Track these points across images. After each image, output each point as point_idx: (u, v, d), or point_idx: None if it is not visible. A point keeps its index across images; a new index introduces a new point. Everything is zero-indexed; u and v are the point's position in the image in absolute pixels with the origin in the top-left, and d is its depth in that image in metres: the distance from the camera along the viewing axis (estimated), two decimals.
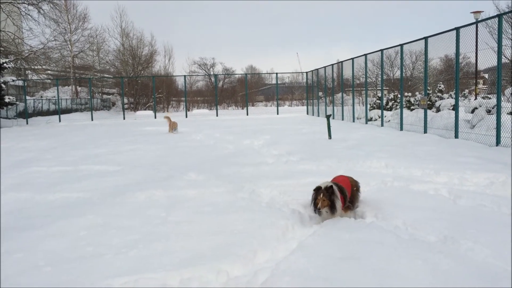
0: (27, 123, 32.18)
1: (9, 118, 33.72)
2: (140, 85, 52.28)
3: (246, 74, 50.07)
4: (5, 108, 31.18)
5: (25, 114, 34.34)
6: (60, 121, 34.15)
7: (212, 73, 67.34)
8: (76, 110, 46.20)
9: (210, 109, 51.27)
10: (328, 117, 15.81)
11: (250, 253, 4.75)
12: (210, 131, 20.55)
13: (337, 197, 5.46)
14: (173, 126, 20.78)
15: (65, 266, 4.50)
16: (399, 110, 19.23)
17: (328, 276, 3.95)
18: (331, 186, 5.45)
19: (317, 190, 5.53)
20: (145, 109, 49.89)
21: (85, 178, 9.25)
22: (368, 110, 23.85)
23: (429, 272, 3.93)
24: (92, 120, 35.13)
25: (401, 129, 18.14)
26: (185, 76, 40.62)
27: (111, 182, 8.72)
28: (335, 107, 29.45)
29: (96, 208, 6.77)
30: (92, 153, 13.61)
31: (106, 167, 10.73)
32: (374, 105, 27.04)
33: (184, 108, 41.90)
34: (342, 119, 26.72)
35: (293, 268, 4.20)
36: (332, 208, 5.47)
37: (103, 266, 4.48)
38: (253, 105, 60.37)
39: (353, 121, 24.79)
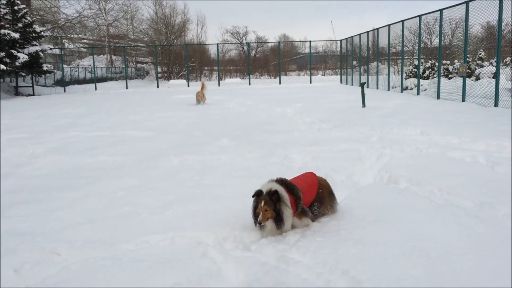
0: (64, 91, 32.92)
1: (47, 86, 34.58)
2: (173, 54, 52.46)
3: (279, 42, 49.39)
4: (43, 76, 31.94)
5: (62, 82, 35.11)
6: (96, 89, 34.78)
7: (244, 41, 66.83)
8: (111, 79, 46.89)
9: (243, 78, 51.05)
10: (362, 85, 15.53)
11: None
12: (242, 100, 20.54)
13: (285, 204, 4.04)
14: (198, 98, 18.80)
15: (103, 224, 4.68)
16: (436, 79, 18.68)
17: (359, 238, 3.96)
18: (276, 191, 4.02)
19: (257, 196, 4.10)
20: (178, 78, 50.17)
21: (120, 143, 9.46)
22: (403, 79, 23.28)
23: (464, 236, 3.89)
24: (126, 88, 35.61)
25: (438, 97, 17.67)
26: (217, 44, 40.47)
27: (146, 147, 8.89)
28: (369, 76, 28.86)
29: (132, 171, 6.95)
30: (127, 120, 13.87)
31: (141, 132, 10.93)
32: (410, 74, 26.33)
33: (217, 77, 41.93)
34: (377, 88, 26.20)
35: (324, 230, 4.23)
36: (278, 221, 4.04)
37: (140, 224, 4.63)
38: (285, 75, 59.74)
39: (388, 90, 24.28)
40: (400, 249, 3.67)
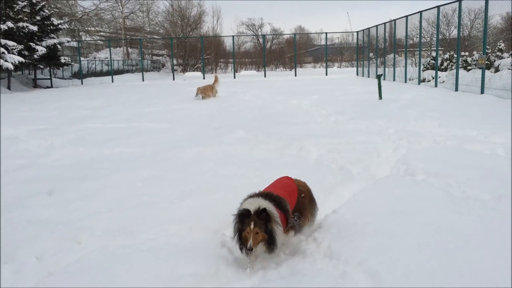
0: (81, 83, 33.27)
1: (65, 79, 35.00)
2: (188, 46, 52.58)
3: (294, 34, 49.15)
4: (61, 68, 32.32)
5: (79, 75, 35.50)
6: (112, 81, 35.09)
7: (260, 33, 66.65)
8: (127, 71, 47.23)
9: (258, 70, 51.01)
10: (379, 76, 15.41)
11: None
12: (258, 92, 20.53)
13: (276, 223, 3.47)
14: (197, 92, 17.80)
15: (123, 213, 4.76)
16: (454, 71, 18.43)
17: (375, 229, 3.97)
18: (264, 210, 3.41)
19: (242, 217, 3.45)
20: (193, 70, 50.32)
21: (137, 135, 9.56)
22: (421, 71, 23.01)
23: (481, 228, 3.86)
24: (143, 80, 35.84)
25: (456, 89, 17.45)
26: (233, 36, 40.46)
27: (163, 139, 8.98)
28: (386, 68, 28.58)
29: (149, 162, 7.03)
30: (143, 112, 13.99)
31: (158, 124, 11.02)
32: (428, 66, 26.00)
33: (232, 70, 41.93)
34: (394, 80, 25.95)
35: (340, 221, 4.24)
36: (271, 244, 3.44)
37: (158, 214, 4.70)
38: (301, 67, 59.45)
39: (405, 82, 24.03)
40: (416, 240, 3.67)
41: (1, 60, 22.50)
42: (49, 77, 31.12)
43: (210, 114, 12.82)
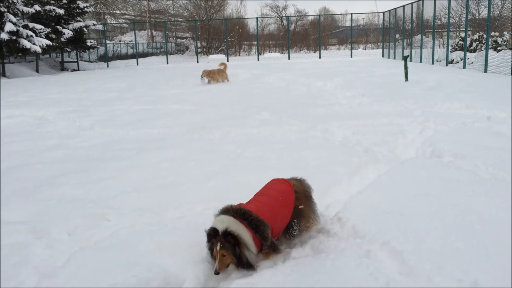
0: (107, 66, 33.66)
1: (91, 62, 35.46)
2: (212, 28, 52.50)
3: (319, 15, 48.46)
4: (87, 51, 32.75)
5: (105, 58, 35.90)
6: (137, 64, 35.39)
7: (284, 15, 65.99)
8: (152, 54, 47.53)
9: (282, 52, 50.63)
10: (405, 58, 15.13)
11: (322, 188, 4.82)
12: (282, 74, 20.42)
13: (246, 248, 3.15)
14: (203, 74, 17.16)
15: (149, 192, 4.86)
16: (483, 52, 17.95)
17: (401, 211, 3.95)
18: (229, 234, 3.11)
19: (210, 236, 3.19)
20: (217, 53, 50.29)
21: (163, 116, 9.67)
22: (449, 52, 22.49)
23: (509, 209, 3.81)
24: (167, 63, 36.03)
25: (486, 71, 17.02)
26: (257, 18, 40.17)
27: (188, 120, 9.06)
28: (413, 50, 28.00)
29: (175, 143, 7.12)
30: (169, 94, 14.11)
31: (182, 106, 11.12)
32: (456, 47, 25.39)
33: (256, 52, 41.75)
34: (420, 62, 25.44)
35: (365, 202, 4.24)
36: (242, 267, 3.19)
37: (184, 194, 4.78)
38: (325, 49, 58.77)
39: (432, 63, 23.54)
40: (442, 222, 3.65)
41: (30, 43, 22.91)
42: (75, 60, 31.59)
43: (235, 96, 12.84)
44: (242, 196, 4.55)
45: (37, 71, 26.26)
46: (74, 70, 30.44)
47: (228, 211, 3.29)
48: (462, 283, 2.78)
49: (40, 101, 12.92)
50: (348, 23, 53.33)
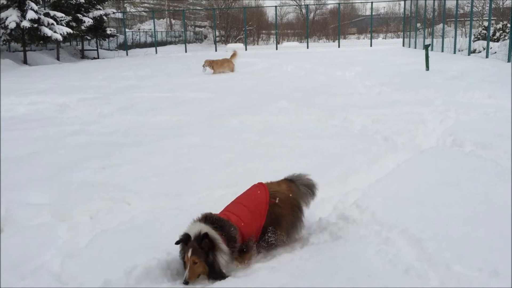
0: (127, 55, 33.87)
1: (110, 50, 35.72)
2: (231, 17, 52.35)
3: (338, 4, 47.90)
4: (106, 39, 33.00)
5: (124, 46, 36.12)
6: (156, 52, 35.52)
7: (303, 4, 65.40)
8: (170, 43, 47.63)
9: (300, 42, 50.26)
10: (426, 47, 14.90)
11: (341, 175, 4.84)
12: (301, 63, 20.30)
13: (221, 251, 2.96)
14: (205, 64, 16.79)
15: (169, 178, 4.92)
16: (507, 41, 17.57)
17: (421, 199, 3.93)
18: (206, 235, 2.92)
19: (183, 242, 2.99)
20: (235, 42, 50.17)
21: (182, 104, 9.73)
22: (471, 41, 22.07)
23: None
24: (185, 52, 36.09)
25: (509, 60, 16.67)
26: (275, 7, 39.93)
27: (207, 108, 9.10)
28: (434, 39, 27.55)
29: (194, 130, 7.17)
30: (187, 82, 14.17)
31: (201, 94, 11.15)
32: (479, 36, 24.90)
33: (274, 41, 41.56)
34: (442, 51, 25.02)
35: (385, 191, 4.22)
36: (215, 278, 2.97)
37: (203, 180, 4.83)
38: (344, 38, 58.12)
39: (454, 53, 23.14)
40: (463, 211, 3.63)
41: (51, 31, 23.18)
42: (95, 48, 31.87)
43: (253, 85, 12.83)
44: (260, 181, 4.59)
45: (58, 59, 26.58)
46: (94, 58, 30.73)
47: (198, 220, 3.11)
48: (482, 272, 2.76)
49: (61, 88, 13.10)
50: (368, 12, 52.70)
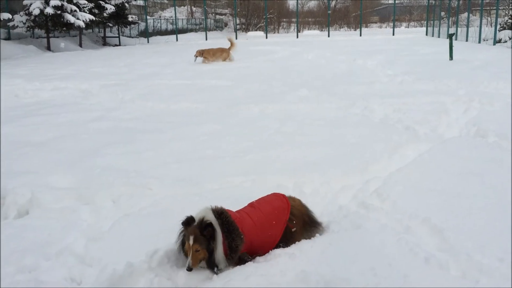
0: (148, 42, 34.02)
1: (132, 37, 35.93)
2: (251, 5, 52.06)
3: None
4: (128, 27, 33.19)
5: (146, 33, 36.27)
6: (177, 40, 35.60)
7: None
8: (191, 30, 47.62)
9: (321, 30, 49.75)
10: (450, 36, 14.63)
11: (361, 164, 4.82)
12: (321, 51, 20.13)
13: (218, 249, 2.93)
14: (197, 54, 16.33)
15: (189, 164, 4.96)
16: None
17: (443, 189, 3.90)
18: (210, 224, 2.92)
19: (185, 226, 2.99)
20: (256, 30, 49.96)
21: (202, 91, 9.77)
22: (497, 31, 21.57)
23: None
24: (206, 39, 36.07)
25: None
26: None
27: (226, 95, 9.11)
28: (458, 28, 27.00)
29: (214, 117, 7.20)
30: (207, 69, 14.20)
31: (221, 82, 11.17)
32: (505, 25, 24.30)
33: (295, 29, 41.25)
34: (466, 41, 24.53)
35: (406, 180, 4.20)
36: (212, 266, 2.97)
37: (223, 167, 4.86)
38: (366, 27, 57.32)
39: (479, 42, 22.66)
40: (485, 201, 3.59)
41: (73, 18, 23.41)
42: (117, 35, 32.08)
43: (273, 73, 12.79)
44: (278, 170, 4.61)
45: (80, 45, 26.86)
46: (116, 45, 30.96)
47: (208, 208, 3.05)
48: (503, 262, 2.74)
49: (83, 74, 13.26)
50: (390, 0, 51.81)
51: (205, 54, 16.38)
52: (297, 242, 3.19)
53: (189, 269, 2.89)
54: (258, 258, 3.12)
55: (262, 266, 2.99)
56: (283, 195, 3.39)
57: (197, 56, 16.40)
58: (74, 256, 3.12)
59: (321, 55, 18.45)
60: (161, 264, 3.02)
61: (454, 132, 5.84)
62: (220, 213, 3.02)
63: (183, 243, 2.98)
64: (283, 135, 6.06)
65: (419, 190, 3.90)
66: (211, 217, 2.96)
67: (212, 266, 2.97)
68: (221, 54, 16.60)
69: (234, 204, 3.68)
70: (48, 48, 24.26)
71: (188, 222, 2.96)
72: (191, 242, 2.89)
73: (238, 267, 3.00)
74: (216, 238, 2.92)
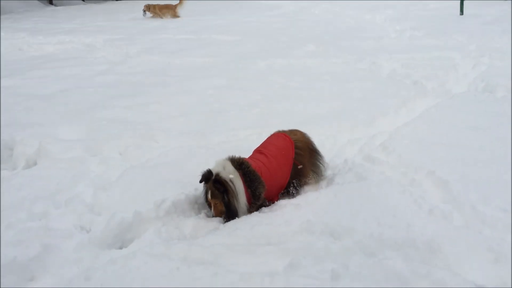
0: None
1: None
2: None
3: None
4: None
5: None
6: None
7: None
8: None
9: None
10: None
11: (368, 118, 4.81)
12: (329, 6, 19.60)
13: (235, 199, 3.05)
14: (145, 8, 16.05)
15: (195, 117, 4.97)
16: None
17: (449, 143, 3.90)
18: (218, 181, 3.03)
19: (204, 181, 3.11)
20: None
21: (207, 46, 9.62)
22: None
23: None
24: None
25: None
26: None
27: (233, 50, 8.99)
28: None
29: (220, 72, 7.14)
30: (212, 24, 13.93)
31: (227, 36, 10.97)
32: None
33: None
34: None
35: (413, 134, 4.19)
36: (230, 217, 3.07)
37: (229, 120, 4.87)
38: None
39: None
40: (491, 154, 3.59)
41: None
42: None
43: (280, 28, 12.54)
44: (286, 122, 4.60)
45: None
46: None
47: (228, 159, 3.17)
48: (507, 213, 2.77)
49: (87, 28, 13.05)
50: None
51: (152, 8, 16.02)
52: (307, 177, 3.41)
53: (215, 216, 3.10)
54: (264, 208, 3.18)
55: (267, 216, 3.04)
56: (285, 134, 3.49)
57: (145, 11, 16.04)
58: (83, 204, 3.19)
59: (329, 9, 17.99)
60: (169, 213, 3.08)
61: (463, 88, 5.78)
62: (240, 163, 3.12)
63: (206, 196, 3.12)
64: (290, 89, 6.02)
65: (425, 144, 3.90)
66: (230, 169, 3.07)
67: (231, 218, 3.05)
68: (168, 11, 16.13)
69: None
70: (51, 2, 23.84)
71: (207, 178, 3.06)
72: (209, 196, 3.07)
73: (244, 217, 3.05)
74: (235, 190, 3.03)
